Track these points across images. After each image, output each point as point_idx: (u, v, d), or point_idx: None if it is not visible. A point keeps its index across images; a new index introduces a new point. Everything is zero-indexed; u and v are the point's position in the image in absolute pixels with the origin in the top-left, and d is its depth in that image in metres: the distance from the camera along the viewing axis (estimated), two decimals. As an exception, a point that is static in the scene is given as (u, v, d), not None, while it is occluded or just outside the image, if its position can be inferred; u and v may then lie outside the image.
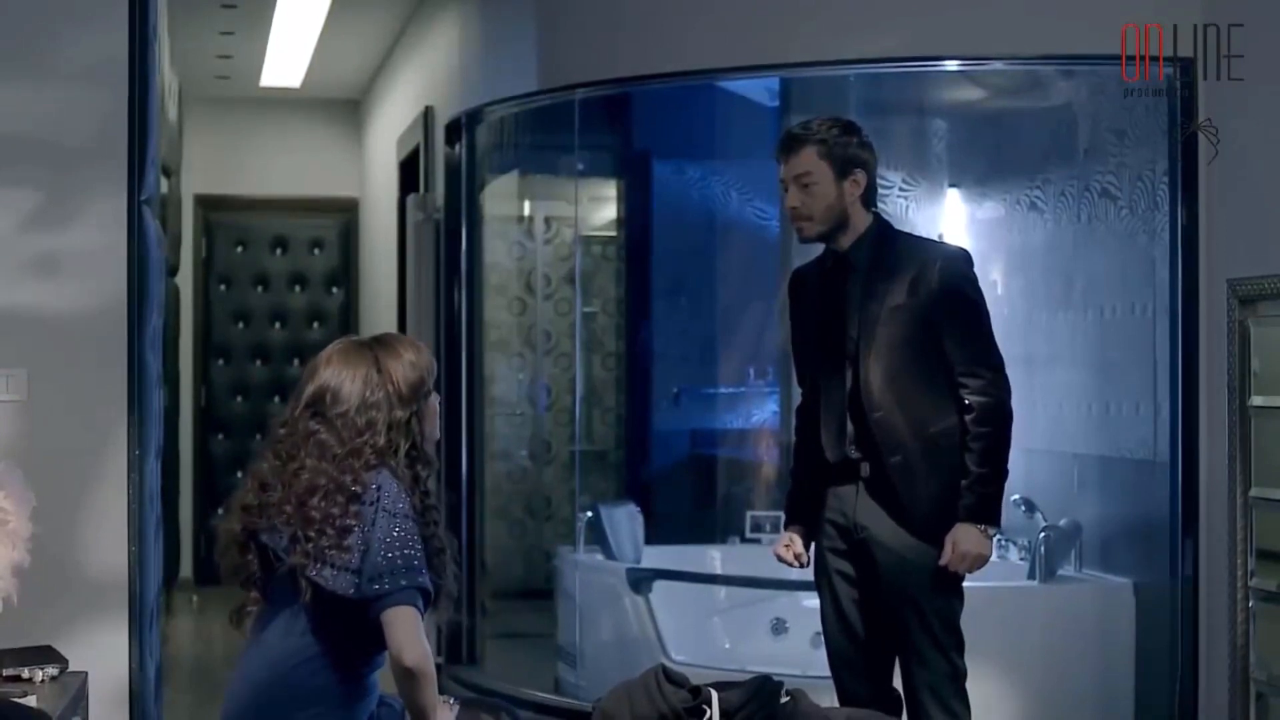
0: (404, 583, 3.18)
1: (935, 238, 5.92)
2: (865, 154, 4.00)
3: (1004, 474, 3.92)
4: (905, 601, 3.91)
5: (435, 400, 3.42)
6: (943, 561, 3.86)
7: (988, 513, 3.89)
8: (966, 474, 3.87)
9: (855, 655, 4.00)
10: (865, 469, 3.95)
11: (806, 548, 4.09)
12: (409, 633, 3.18)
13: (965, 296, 3.97)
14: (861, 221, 3.99)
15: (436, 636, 6.55)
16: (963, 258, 4.03)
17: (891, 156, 6.19)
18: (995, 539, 3.95)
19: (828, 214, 3.96)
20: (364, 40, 9.09)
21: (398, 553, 3.19)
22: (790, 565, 4.09)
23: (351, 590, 3.19)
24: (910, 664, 3.94)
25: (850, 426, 3.96)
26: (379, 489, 3.24)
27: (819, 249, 4.10)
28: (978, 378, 3.88)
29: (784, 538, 4.11)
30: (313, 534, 3.21)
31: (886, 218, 4.12)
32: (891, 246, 4.00)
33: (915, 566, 3.90)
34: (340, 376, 3.33)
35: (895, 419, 3.89)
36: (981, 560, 3.89)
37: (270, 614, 3.32)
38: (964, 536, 3.86)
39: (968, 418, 3.88)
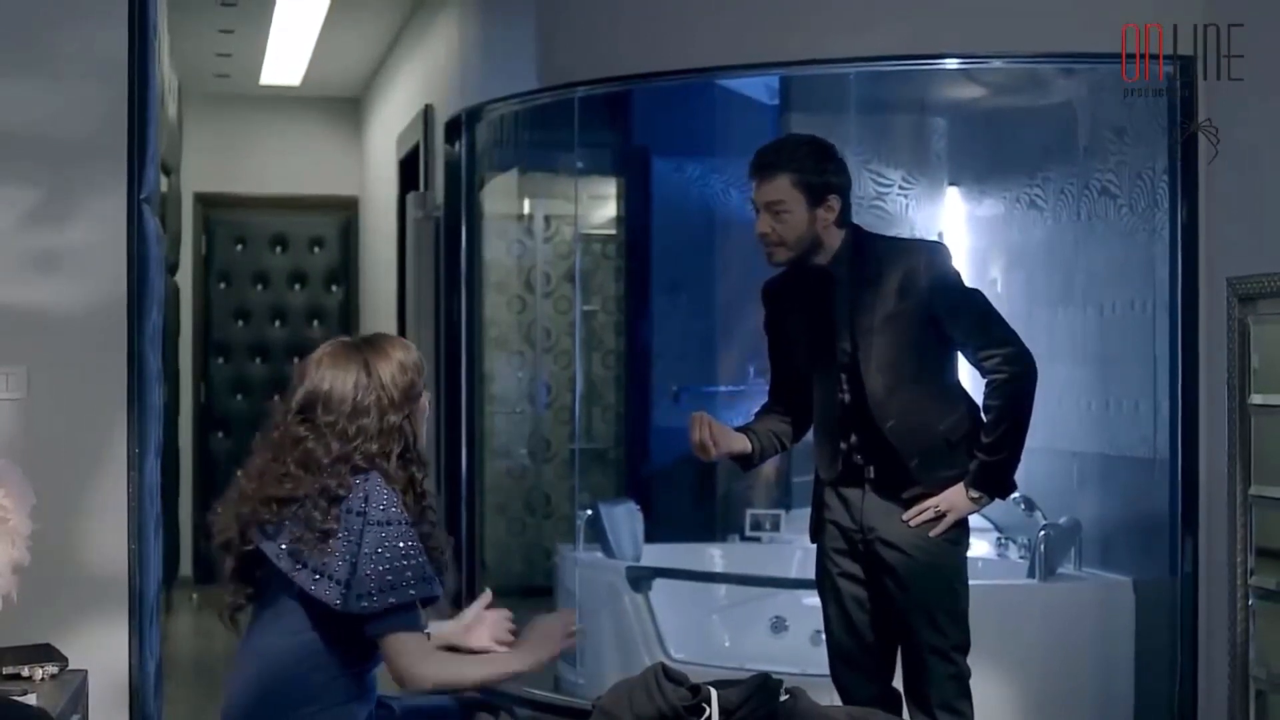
0: (393, 600, 3.13)
1: (935, 236, 5.94)
2: (839, 179, 3.96)
3: (1010, 445, 3.91)
4: (915, 602, 3.91)
5: (426, 400, 3.37)
6: (907, 514, 3.89)
7: (986, 482, 3.91)
8: (979, 444, 3.90)
9: (859, 655, 4.00)
10: (871, 471, 3.95)
11: (742, 454, 4.08)
12: (409, 661, 3.17)
13: (959, 286, 4.00)
14: (835, 239, 3.97)
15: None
16: (943, 251, 4.05)
17: (891, 154, 6.19)
18: (981, 500, 3.93)
19: (799, 242, 3.94)
20: (364, 38, 9.08)
21: (387, 566, 3.14)
22: (695, 443, 4.02)
23: (338, 601, 3.15)
24: (917, 664, 3.93)
25: (854, 437, 3.96)
26: (366, 499, 3.18)
27: None
28: (993, 356, 3.90)
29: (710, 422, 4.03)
30: (298, 534, 3.19)
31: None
32: (870, 255, 3.97)
33: (925, 566, 3.90)
34: (330, 381, 3.26)
35: (908, 424, 3.90)
36: (954, 519, 3.90)
37: (263, 611, 3.31)
38: (949, 493, 3.89)
39: (984, 390, 3.91)
